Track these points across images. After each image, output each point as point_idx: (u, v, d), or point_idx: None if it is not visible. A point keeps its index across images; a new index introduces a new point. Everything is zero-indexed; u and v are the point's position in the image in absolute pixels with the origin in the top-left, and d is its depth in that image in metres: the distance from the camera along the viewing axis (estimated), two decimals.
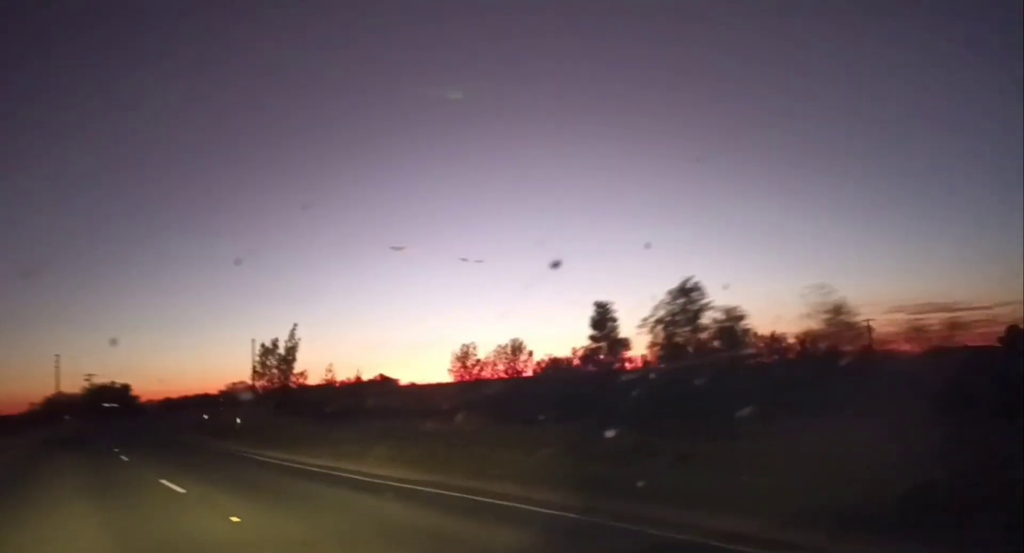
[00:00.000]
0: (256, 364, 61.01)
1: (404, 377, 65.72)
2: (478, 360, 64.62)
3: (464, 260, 59.96)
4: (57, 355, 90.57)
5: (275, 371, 60.23)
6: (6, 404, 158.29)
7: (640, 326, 24.75)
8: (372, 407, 46.17)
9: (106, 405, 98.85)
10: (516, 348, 65.45)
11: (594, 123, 76.25)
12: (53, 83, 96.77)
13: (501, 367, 64.77)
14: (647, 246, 67.11)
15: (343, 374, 62.54)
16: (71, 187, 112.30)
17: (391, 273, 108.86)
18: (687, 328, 23.22)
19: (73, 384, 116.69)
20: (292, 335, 59.68)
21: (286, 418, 43.56)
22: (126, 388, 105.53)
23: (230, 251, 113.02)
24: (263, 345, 61.56)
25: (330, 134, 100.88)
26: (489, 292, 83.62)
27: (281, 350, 60.56)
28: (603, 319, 34.44)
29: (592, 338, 35.61)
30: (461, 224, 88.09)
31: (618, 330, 33.82)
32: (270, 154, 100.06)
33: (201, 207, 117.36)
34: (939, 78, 53.81)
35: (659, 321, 23.59)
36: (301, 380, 60.37)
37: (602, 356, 35.64)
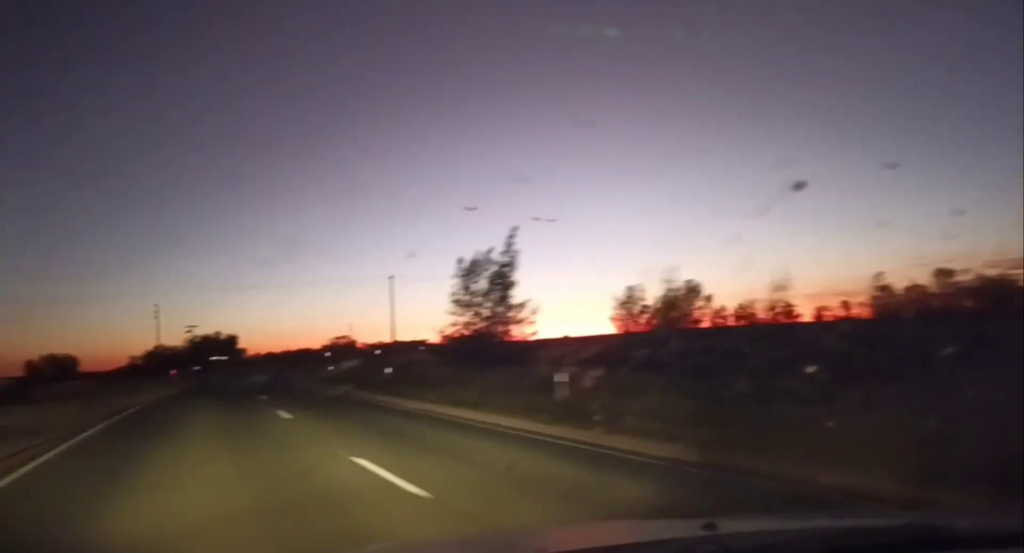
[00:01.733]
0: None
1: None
2: (644, 306, 54.68)
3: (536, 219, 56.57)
4: (156, 304, 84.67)
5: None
6: (103, 360, 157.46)
7: None
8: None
9: (214, 358, 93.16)
10: (692, 291, 55.59)
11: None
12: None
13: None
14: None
15: None
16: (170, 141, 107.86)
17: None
18: None
19: (175, 337, 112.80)
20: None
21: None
22: (232, 340, 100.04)
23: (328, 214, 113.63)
24: None
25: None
26: None
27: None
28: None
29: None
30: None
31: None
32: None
33: (307, 161, 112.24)
34: None
35: None
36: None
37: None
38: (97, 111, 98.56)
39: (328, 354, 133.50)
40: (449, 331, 37.16)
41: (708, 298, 54.95)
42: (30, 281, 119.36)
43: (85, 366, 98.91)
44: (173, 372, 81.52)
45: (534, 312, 35.74)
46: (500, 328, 35.70)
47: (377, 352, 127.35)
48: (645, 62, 65.89)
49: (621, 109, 71.49)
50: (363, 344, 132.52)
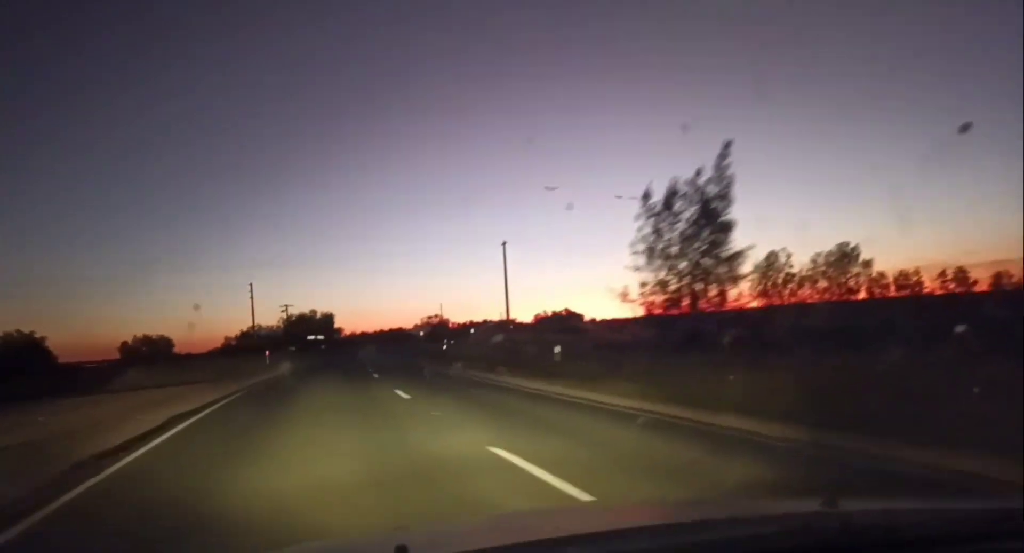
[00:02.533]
0: None
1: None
2: (790, 275, 47.55)
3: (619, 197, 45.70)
4: (251, 283, 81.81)
5: None
6: (198, 342, 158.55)
7: None
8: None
9: (311, 337, 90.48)
10: (846, 257, 48.45)
11: None
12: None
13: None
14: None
15: None
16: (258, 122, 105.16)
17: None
18: None
19: (270, 317, 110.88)
20: None
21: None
22: (329, 319, 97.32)
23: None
24: None
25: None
26: None
27: None
28: None
29: None
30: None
31: None
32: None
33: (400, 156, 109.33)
34: None
35: None
36: None
37: None
38: (188, 87, 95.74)
39: (422, 334, 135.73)
40: (629, 300, 26.98)
41: (866, 264, 48.29)
42: (124, 262, 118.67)
43: (180, 348, 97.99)
44: (267, 353, 79.46)
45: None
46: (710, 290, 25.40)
47: (472, 330, 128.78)
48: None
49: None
50: (455, 323, 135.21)
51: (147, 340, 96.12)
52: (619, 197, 52.82)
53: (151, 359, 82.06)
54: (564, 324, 78.54)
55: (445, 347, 63.70)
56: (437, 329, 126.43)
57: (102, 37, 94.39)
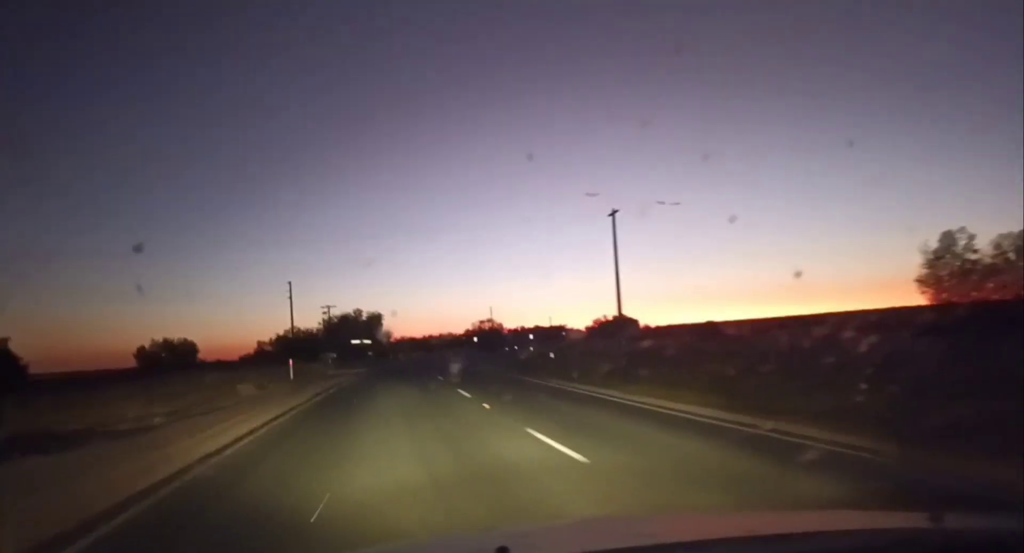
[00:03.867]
0: None
1: None
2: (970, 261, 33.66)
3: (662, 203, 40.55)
4: (290, 282, 67.52)
5: None
6: (228, 347, 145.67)
7: None
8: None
9: (356, 342, 75.89)
10: None
11: None
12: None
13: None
14: None
15: None
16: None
17: None
18: None
19: (308, 319, 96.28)
20: None
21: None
22: (375, 321, 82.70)
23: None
24: None
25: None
26: None
27: None
28: None
29: None
30: None
31: None
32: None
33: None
34: None
35: None
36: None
37: None
38: (219, 89, 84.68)
39: (476, 339, 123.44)
40: None
41: None
42: (150, 264, 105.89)
43: (206, 353, 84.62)
44: (291, 362, 64.61)
45: None
46: None
47: (531, 337, 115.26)
48: None
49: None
50: (509, 329, 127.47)
51: (167, 345, 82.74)
52: (592, 195, 53.63)
53: (168, 367, 68.72)
54: (622, 330, 72.46)
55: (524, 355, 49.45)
56: (490, 335, 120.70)
57: (146, 52, 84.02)
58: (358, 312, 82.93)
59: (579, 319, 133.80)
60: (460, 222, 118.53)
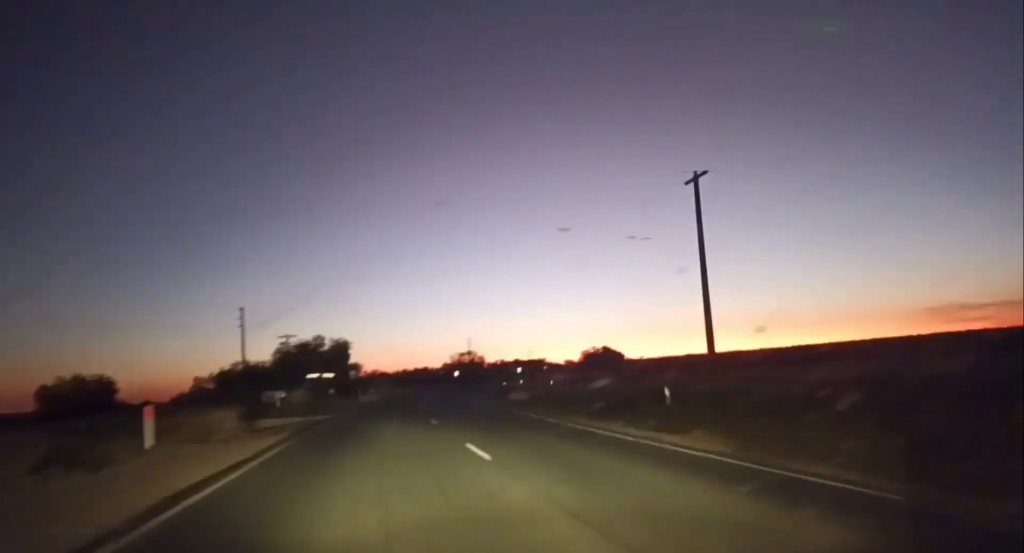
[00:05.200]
0: None
1: None
2: None
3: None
4: (242, 308, 54.20)
5: None
6: (154, 389, 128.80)
7: None
8: None
9: (311, 376, 59.62)
10: None
11: None
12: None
13: None
14: None
15: None
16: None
17: None
18: None
19: (265, 352, 79.73)
20: None
21: None
22: (340, 349, 66.32)
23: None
24: None
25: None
26: None
27: None
28: None
29: None
30: None
31: None
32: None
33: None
34: None
35: None
36: None
37: None
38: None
39: (456, 373, 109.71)
40: None
41: None
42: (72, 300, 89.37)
43: (127, 394, 67.93)
44: (147, 409, 48.76)
45: None
46: None
47: (519, 369, 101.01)
48: None
49: None
50: (491, 362, 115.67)
51: (77, 383, 65.87)
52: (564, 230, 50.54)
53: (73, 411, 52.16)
54: (607, 362, 73.21)
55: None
56: (471, 368, 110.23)
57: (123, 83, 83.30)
58: (319, 340, 67.02)
59: (559, 352, 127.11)
60: (429, 253, 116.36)
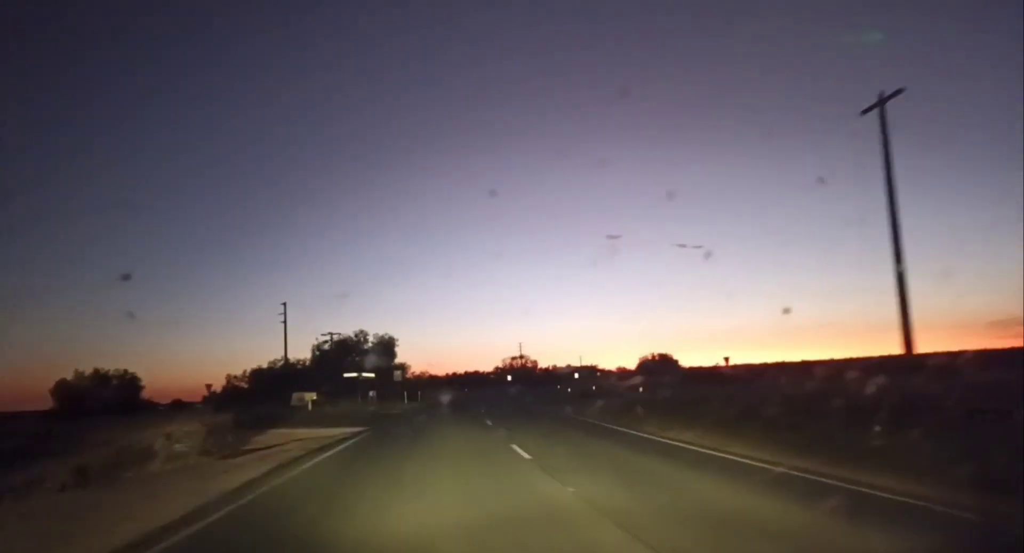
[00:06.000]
0: None
1: None
2: None
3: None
4: (284, 303, 48.48)
5: None
6: (181, 389, 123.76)
7: None
8: None
9: (350, 375, 52.19)
10: None
11: None
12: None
13: None
14: None
15: None
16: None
17: None
18: None
19: (303, 350, 72.93)
20: None
21: None
22: (387, 345, 58.82)
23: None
24: None
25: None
26: None
27: None
28: None
29: None
30: None
31: None
32: None
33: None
34: None
35: None
36: None
37: None
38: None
39: (510, 378, 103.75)
40: None
41: None
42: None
43: (151, 392, 61.99)
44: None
45: None
46: None
47: (576, 375, 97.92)
48: None
49: None
50: (542, 367, 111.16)
51: (99, 377, 59.91)
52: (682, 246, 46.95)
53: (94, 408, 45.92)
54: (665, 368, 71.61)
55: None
56: (524, 373, 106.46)
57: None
58: (362, 335, 59.80)
59: (608, 358, 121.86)
60: (479, 255, 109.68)
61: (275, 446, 17.94)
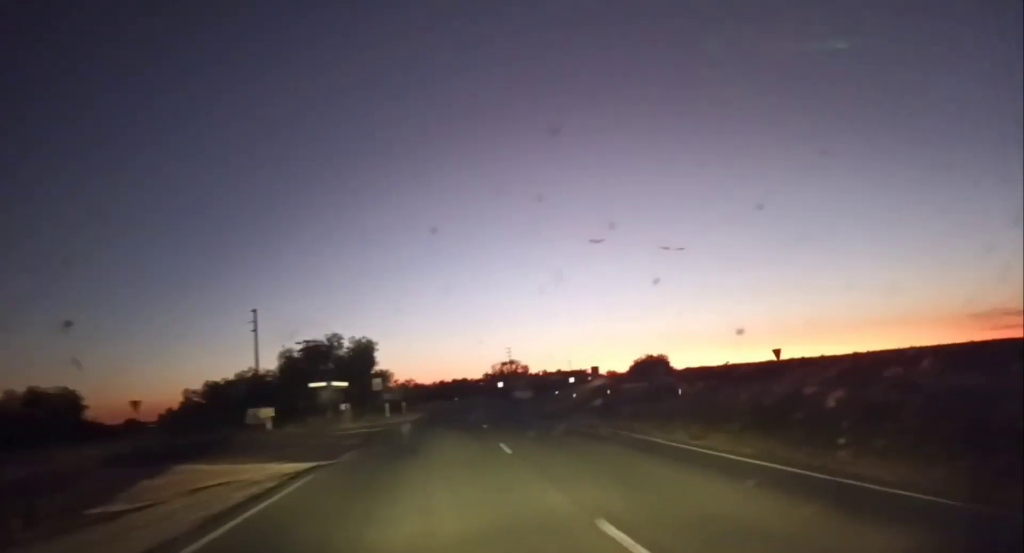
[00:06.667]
0: None
1: None
2: None
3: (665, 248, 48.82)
4: (254, 310, 41.40)
5: None
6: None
7: None
8: None
9: (315, 385, 44.22)
10: None
11: None
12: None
13: None
14: None
15: None
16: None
17: None
18: None
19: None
20: None
21: None
22: (365, 350, 50.97)
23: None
24: None
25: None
26: None
27: None
28: None
29: None
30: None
31: None
32: None
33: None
34: None
35: None
36: None
37: None
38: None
39: (500, 384, 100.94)
40: None
41: None
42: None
43: (102, 412, 53.90)
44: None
45: None
46: None
47: (571, 380, 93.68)
48: None
49: None
50: (533, 372, 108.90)
51: (32, 396, 51.77)
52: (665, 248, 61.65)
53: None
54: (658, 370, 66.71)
55: None
56: (515, 379, 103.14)
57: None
58: (335, 339, 52.03)
59: (599, 362, 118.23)
60: (459, 262, 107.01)
61: (133, 511, 10.41)
